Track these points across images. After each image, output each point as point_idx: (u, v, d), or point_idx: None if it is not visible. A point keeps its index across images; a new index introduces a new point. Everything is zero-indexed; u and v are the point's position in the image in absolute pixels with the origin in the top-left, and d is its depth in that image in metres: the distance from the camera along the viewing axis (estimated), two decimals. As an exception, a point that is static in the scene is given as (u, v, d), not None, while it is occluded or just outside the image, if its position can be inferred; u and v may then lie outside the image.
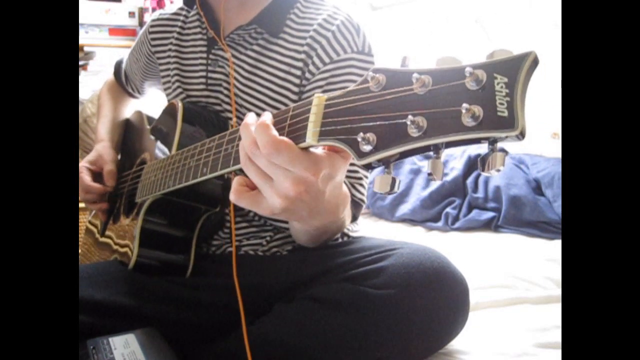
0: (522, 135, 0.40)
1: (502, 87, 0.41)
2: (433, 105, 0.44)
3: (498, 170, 0.42)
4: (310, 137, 0.52)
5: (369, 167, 0.49)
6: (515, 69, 0.41)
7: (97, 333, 0.75)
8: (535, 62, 0.41)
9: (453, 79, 0.43)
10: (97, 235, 1.12)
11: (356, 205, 0.88)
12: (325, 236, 0.82)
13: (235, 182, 0.58)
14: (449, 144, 0.44)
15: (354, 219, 0.90)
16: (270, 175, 0.54)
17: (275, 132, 0.53)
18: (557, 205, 1.59)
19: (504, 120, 0.40)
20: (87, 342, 0.73)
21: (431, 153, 0.46)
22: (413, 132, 0.44)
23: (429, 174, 0.46)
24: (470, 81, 0.42)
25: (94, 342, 0.73)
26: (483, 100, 0.41)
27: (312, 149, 0.54)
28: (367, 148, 0.48)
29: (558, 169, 1.68)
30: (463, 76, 0.43)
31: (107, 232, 1.06)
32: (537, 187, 1.70)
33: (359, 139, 0.48)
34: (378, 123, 0.47)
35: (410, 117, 0.44)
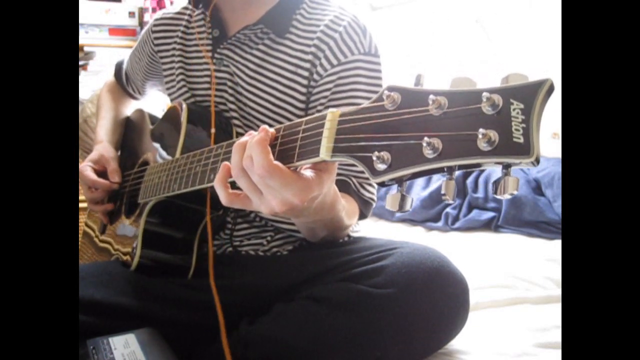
0: (537, 162, 0.41)
1: (518, 113, 0.41)
2: (449, 128, 0.44)
3: (512, 194, 0.43)
4: (324, 153, 0.53)
5: (382, 185, 0.50)
6: (532, 96, 0.41)
7: (97, 333, 0.75)
8: (550, 89, 0.41)
9: (469, 102, 0.44)
10: (95, 238, 1.11)
11: (365, 203, 0.88)
12: (323, 232, 0.82)
13: (221, 189, 0.61)
14: (462, 166, 0.45)
15: (363, 217, 0.90)
16: (261, 190, 0.57)
17: (271, 156, 0.55)
18: (557, 205, 1.59)
19: (520, 147, 0.41)
20: (87, 342, 0.73)
21: (444, 173, 0.46)
22: (428, 153, 0.45)
23: (443, 195, 0.46)
24: (487, 105, 0.42)
25: (94, 342, 0.73)
26: (499, 125, 0.42)
27: (302, 173, 0.57)
28: (381, 167, 0.48)
29: (558, 169, 1.68)
30: (480, 100, 0.43)
31: (106, 237, 1.05)
32: (537, 187, 1.70)
33: (374, 158, 0.48)
34: (393, 142, 0.48)
35: (426, 138, 0.45)
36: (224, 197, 0.61)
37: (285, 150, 0.58)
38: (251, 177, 0.57)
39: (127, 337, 0.74)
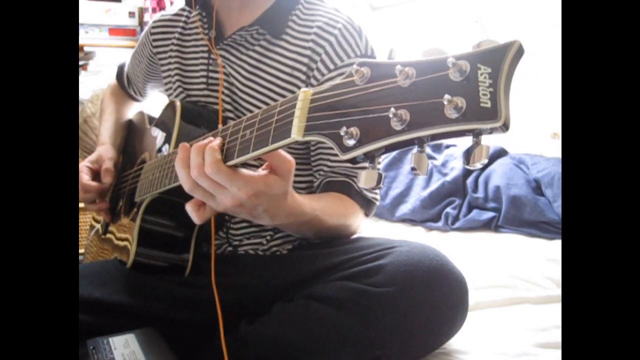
0: (505, 127, 0.40)
1: (485, 77, 0.40)
2: (416, 98, 0.43)
3: (482, 164, 0.42)
4: (296, 133, 0.53)
5: (353, 162, 0.49)
6: (499, 59, 0.40)
7: (97, 333, 0.75)
8: (519, 52, 0.40)
9: (436, 70, 0.43)
10: (102, 237, 1.12)
11: (369, 203, 0.89)
12: (309, 234, 0.84)
13: (191, 210, 0.67)
14: (434, 137, 0.44)
15: (366, 216, 0.91)
16: (213, 193, 0.63)
17: (220, 155, 0.62)
18: (557, 205, 1.59)
19: (487, 112, 0.40)
20: (87, 342, 0.73)
21: (416, 146, 0.45)
22: (396, 125, 0.44)
23: (413, 169, 0.45)
24: (454, 72, 0.41)
25: (94, 342, 0.73)
26: (466, 91, 0.41)
27: (243, 170, 0.62)
28: (350, 142, 0.47)
29: (558, 169, 1.68)
30: (446, 67, 0.42)
31: (108, 236, 1.06)
32: (537, 187, 1.70)
33: (342, 133, 0.48)
34: (361, 117, 0.47)
35: (392, 109, 0.44)
36: (196, 217, 0.67)
37: (262, 134, 0.58)
38: (202, 185, 0.62)
39: (127, 337, 0.74)
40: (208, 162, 0.61)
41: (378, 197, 0.90)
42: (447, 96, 0.41)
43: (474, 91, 0.40)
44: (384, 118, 0.45)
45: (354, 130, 0.47)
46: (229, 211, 0.65)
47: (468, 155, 0.42)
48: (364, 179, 0.48)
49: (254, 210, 0.65)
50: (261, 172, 0.63)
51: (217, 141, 0.63)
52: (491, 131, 0.40)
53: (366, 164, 0.49)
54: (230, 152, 0.63)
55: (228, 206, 0.63)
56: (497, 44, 0.41)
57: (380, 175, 0.48)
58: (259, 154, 0.59)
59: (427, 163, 0.45)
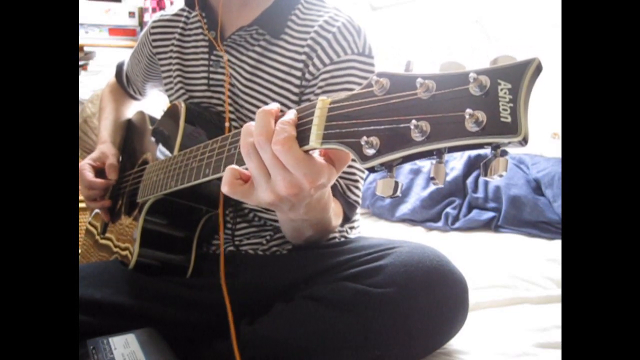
0: (525, 141, 0.41)
1: (505, 93, 0.41)
2: (436, 110, 0.44)
3: (500, 176, 0.43)
4: (314, 140, 0.53)
5: (372, 170, 0.50)
6: (519, 75, 0.41)
7: (97, 333, 0.75)
8: (538, 69, 0.42)
9: (457, 84, 0.44)
10: (97, 237, 1.12)
11: (350, 206, 0.88)
12: (309, 232, 0.80)
13: (230, 174, 0.58)
14: (452, 149, 0.45)
15: (347, 219, 0.89)
16: (270, 171, 0.55)
17: (295, 132, 0.54)
18: (557, 205, 1.59)
19: (507, 126, 0.41)
20: (87, 342, 0.73)
21: (434, 157, 0.46)
22: (416, 136, 0.45)
23: (432, 178, 0.46)
24: (474, 87, 0.42)
25: (94, 342, 0.73)
26: (486, 106, 0.42)
27: (315, 157, 0.55)
28: (370, 152, 0.48)
29: (558, 169, 1.68)
30: (467, 82, 0.43)
31: (107, 234, 1.06)
32: (537, 187, 1.70)
33: (363, 143, 0.48)
34: (382, 127, 0.48)
35: (414, 121, 0.45)
36: (228, 182, 0.57)
37: None
38: (262, 156, 0.54)
39: (127, 337, 0.74)
40: (280, 138, 0.52)
41: (360, 200, 0.90)
42: (469, 110, 0.42)
43: (494, 106, 0.41)
44: (405, 129, 0.46)
45: (374, 139, 0.48)
46: (274, 202, 0.57)
47: (486, 167, 0.43)
48: (382, 188, 0.49)
49: (300, 202, 0.58)
50: (321, 160, 0.55)
51: (292, 114, 0.54)
52: (509, 143, 0.42)
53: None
54: None
55: (282, 193, 0.55)
56: (516, 61, 0.42)
57: (397, 184, 0.49)
58: None
59: (445, 173, 0.46)
